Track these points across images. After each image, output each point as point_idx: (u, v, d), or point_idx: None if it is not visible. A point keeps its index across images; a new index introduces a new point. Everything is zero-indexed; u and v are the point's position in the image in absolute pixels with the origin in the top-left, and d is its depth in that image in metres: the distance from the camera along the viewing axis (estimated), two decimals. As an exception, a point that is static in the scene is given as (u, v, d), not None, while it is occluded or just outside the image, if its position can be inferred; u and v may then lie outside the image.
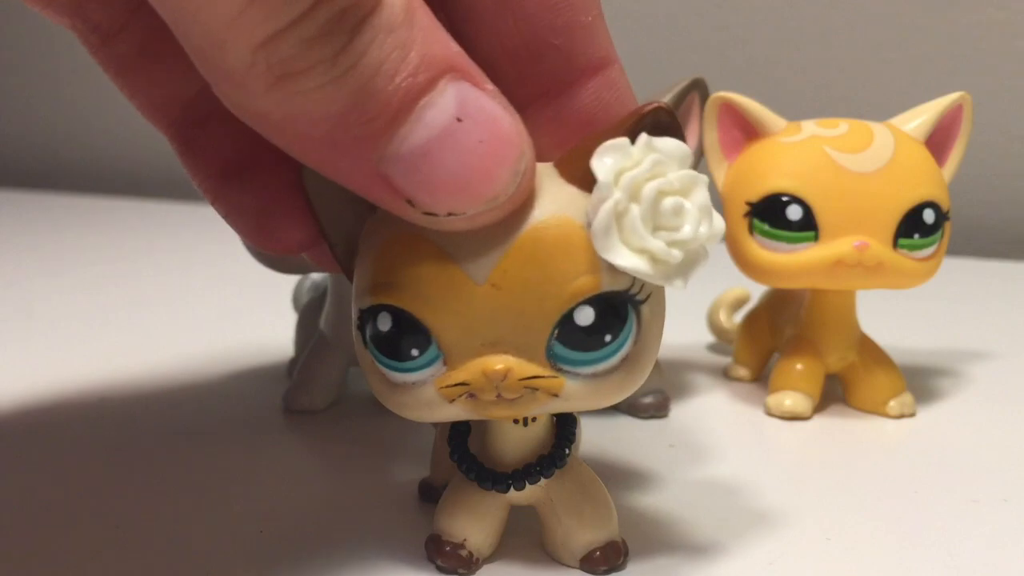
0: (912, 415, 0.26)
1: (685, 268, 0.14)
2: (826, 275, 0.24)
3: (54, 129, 0.88)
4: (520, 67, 0.15)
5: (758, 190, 0.25)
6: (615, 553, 0.17)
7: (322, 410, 0.26)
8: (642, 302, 0.15)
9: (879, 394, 0.26)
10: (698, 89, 0.26)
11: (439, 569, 0.17)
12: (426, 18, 0.13)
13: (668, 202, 0.14)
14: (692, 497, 0.21)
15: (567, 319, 0.14)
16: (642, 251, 0.14)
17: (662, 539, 0.18)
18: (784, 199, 0.24)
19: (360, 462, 0.23)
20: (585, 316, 0.14)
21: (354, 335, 0.16)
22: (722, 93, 0.26)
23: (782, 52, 0.60)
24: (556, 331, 0.14)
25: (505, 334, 0.14)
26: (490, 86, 0.13)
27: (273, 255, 0.20)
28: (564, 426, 0.17)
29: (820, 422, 0.26)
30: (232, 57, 0.12)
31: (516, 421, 0.17)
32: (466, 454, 0.17)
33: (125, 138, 0.85)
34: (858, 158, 0.24)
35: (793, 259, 0.24)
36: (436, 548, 0.17)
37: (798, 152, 0.25)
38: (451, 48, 0.13)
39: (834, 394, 0.27)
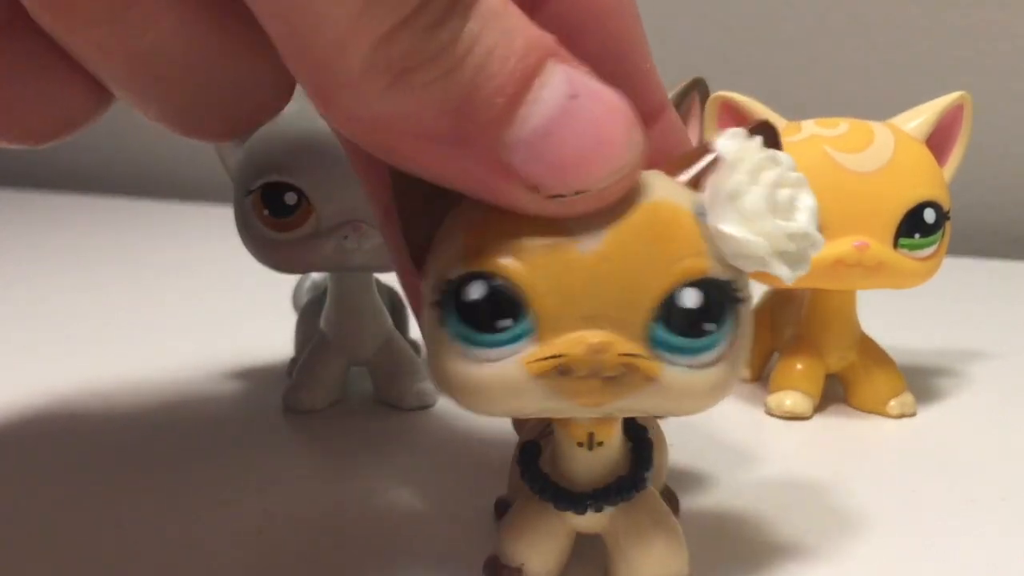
0: (912, 415, 0.26)
1: (796, 260, 0.14)
2: (826, 275, 0.24)
3: (54, 129, 0.88)
4: None
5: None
6: None
7: (322, 410, 0.26)
8: (741, 301, 0.14)
9: (879, 394, 0.26)
10: (698, 89, 0.26)
11: None
12: (515, 6, 0.13)
13: (784, 192, 0.14)
14: (692, 497, 0.21)
15: (671, 300, 0.14)
16: (759, 231, 0.14)
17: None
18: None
19: (360, 462, 0.23)
20: (690, 298, 0.14)
21: (426, 318, 0.15)
22: (722, 93, 0.26)
23: (782, 52, 0.61)
24: (658, 311, 0.14)
25: (606, 308, 0.14)
26: (585, 66, 0.13)
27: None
28: (641, 450, 0.16)
29: (820, 422, 0.26)
30: (352, 59, 0.12)
31: (581, 445, 0.16)
32: (538, 473, 0.16)
33: (125, 138, 0.85)
34: (858, 158, 0.24)
35: (793, 259, 0.24)
36: (494, 571, 0.17)
37: (798, 152, 0.24)
38: (545, 33, 0.13)
39: (834, 394, 0.27)
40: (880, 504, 0.20)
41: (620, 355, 0.14)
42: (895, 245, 0.24)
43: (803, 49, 0.60)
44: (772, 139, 0.15)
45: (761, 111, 0.26)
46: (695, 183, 0.15)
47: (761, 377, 0.30)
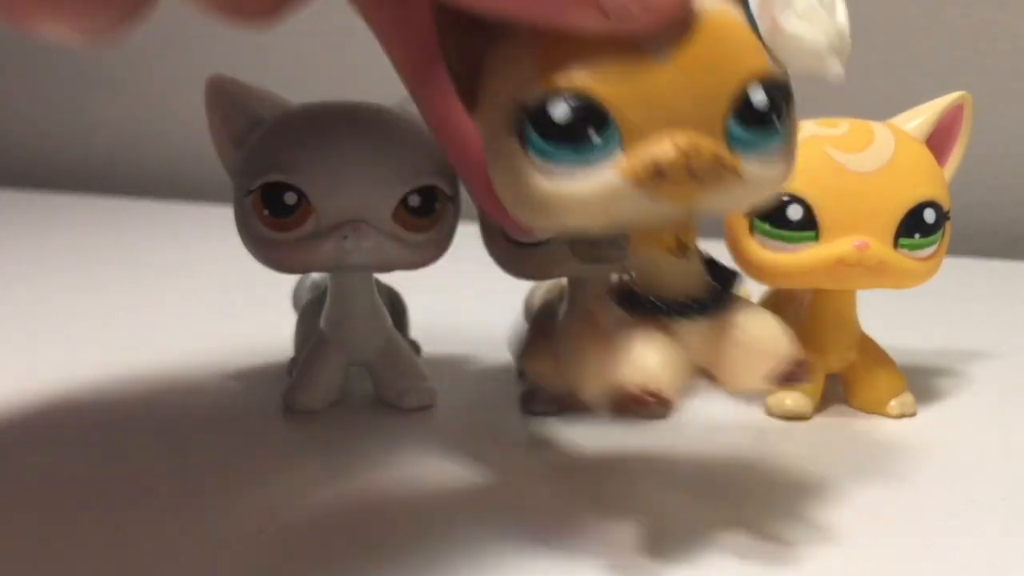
0: (912, 415, 0.26)
1: (843, 54, 0.16)
2: (826, 275, 0.24)
3: (54, 129, 0.88)
4: None
5: (758, 190, 0.25)
6: (803, 367, 0.17)
7: (322, 410, 0.26)
8: (790, 100, 0.16)
9: (879, 394, 0.26)
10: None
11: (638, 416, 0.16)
12: None
13: None
14: (692, 497, 0.21)
15: (742, 97, 0.15)
16: (812, 28, 0.15)
17: (661, 539, 0.18)
18: (784, 198, 0.24)
19: (360, 462, 0.23)
20: (758, 95, 0.15)
21: (495, 146, 0.16)
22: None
23: (782, 52, 0.61)
24: (732, 108, 0.15)
25: (687, 111, 0.15)
26: None
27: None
28: (713, 262, 0.18)
29: (820, 422, 0.26)
30: None
31: (672, 253, 0.17)
32: (638, 296, 0.17)
33: (125, 138, 0.85)
34: (858, 158, 0.24)
35: (793, 259, 0.24)
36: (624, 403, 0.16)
37: (798, 152, 0.25)
38: None
39: (834, 394, 0.27)
40: (880, 504, 0.20)
41: (710, 151, 0.15)
42: (895, 245, 0.24)
43: (803, 49, 0.60)
44: None
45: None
46: None
47: (761, 377, 0.30)
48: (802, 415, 0.26)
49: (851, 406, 0.27)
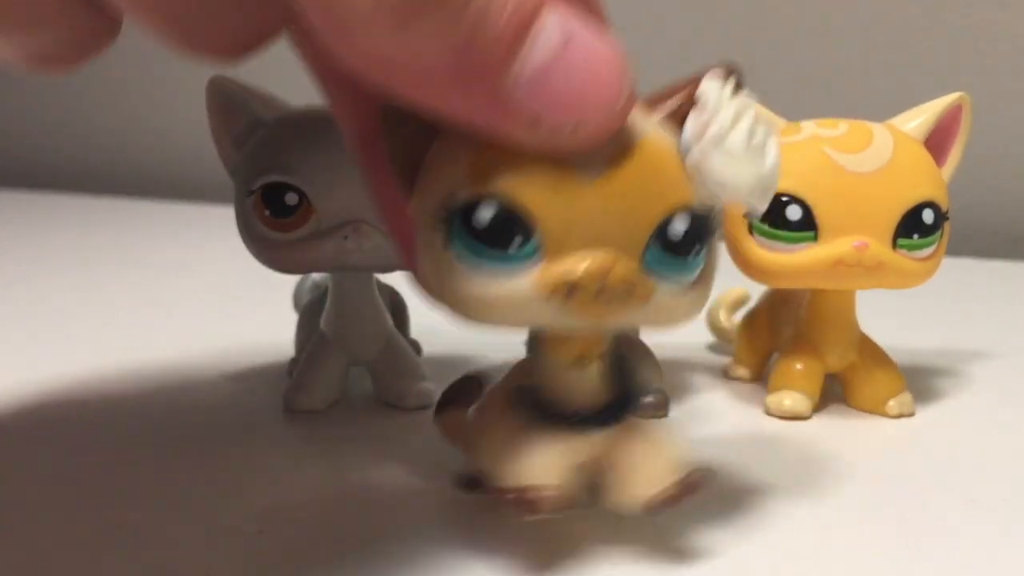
0: (911, 415, 0.26)
1: (766, 193, 0.16)
2: (826, 275, 0.24)
3: (54, 129, 0.88)
4: None
5: (758, 190, 0.25)
6: (688, 486, 0.17)
7: (322, 410, 0.26)
8: (715, 230, 0.16)
9: (879, 394, 0.26)
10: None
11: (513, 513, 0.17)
12: None
13: (760, 132, 0.16)
14: (691, 497, 0.21)
15: (665, 225, 0.15)
16: (739, 170, 0.15)
17: (661, 539, 0.18)
18: (784, 199, 0.24)
19: (361, 462, 0.23)
20: (682, 223, 0.15)
21: (424, 238, 0.16)
22: (722, 93, 0.26)
23: (782, 52, 0.61)
24: (654, 235, 0.15)
25: (609, 232, 0.15)
26: (575, 9, 0.14)
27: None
28: (620, 370, 0.18)
29: (820, 422, 0.26)
30: None
31: (571, 365, 0.17)
32: (541, 403, 0.18)
33: (125, 138, 0.85)
34: (857, 158, 0.24)
35: (793, 259, 0.24)
36: (516, 498, 0.17)
37: (798, 152, 0.25)
38: None
39: (834, 394, 0.28)
40: (879, 504, 0.20)
41: (622, 276, 0.15)
42: (894, 245, 0.24)
43: (803, 49, 0.60)
44: (739, 82, 0.16)
45: (761, 111, 0.26)
46: (674, 118, 0.16)
47: (760, 377, 0.30)
48: (801, 415, 0.26)
49: (850, 406, 0.27)
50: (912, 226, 0.24)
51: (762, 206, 0.16)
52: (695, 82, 0.16)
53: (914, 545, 0.18)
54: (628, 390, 0.18)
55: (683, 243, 0.16)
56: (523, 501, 0.16)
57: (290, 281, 0.33)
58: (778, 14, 0.60)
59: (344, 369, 0.26)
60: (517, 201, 0.15)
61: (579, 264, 0.15)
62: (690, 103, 0.16)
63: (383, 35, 0.13)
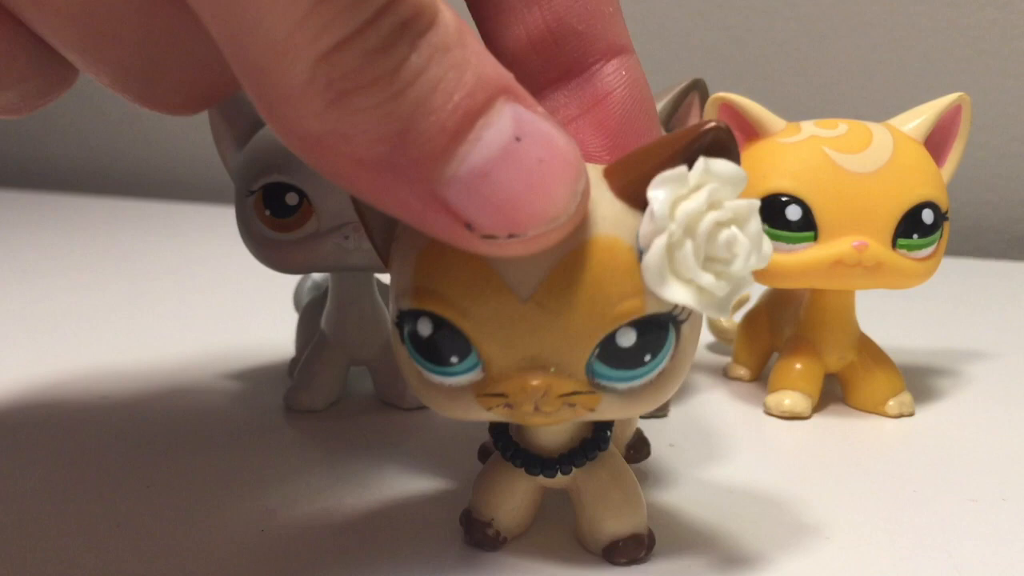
0: (911, 415, 0.26)
1: (729, 299, 0.14)
2: (825, 275, 0.24)
3: (54, 129, 0.88)
4: (543, 52, 0.16)
5: (757, 190, 0.25)
6: (637, 545, 0.17)
7: (323, 410, 0.26)
8: (683, 321, 0.15)
9: (878, 394, 0.26)
10: (698, 90, 0.26)
11: (466, 542, 0.18)
12: (475, 41, 0.13)
13: (723, 235, 0.14)
14: (691, 497, 0.21)
15: (609, 339, 0.14)
16: (690, 283, 0.14)
17: (660, 539, 0.18)
18: (783, 199, 0.24)
19: (360, 462, 0.23)
20: (627, 338, 0.14)
21: (391, 329, 0.16)
22: (722, 93, 0.26)
23: (782, 52, 0.61)
24: (597, 351, 0.14)
25: (546, 351, 0.14)
26: (540, 108, 0.13)
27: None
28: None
29: (819, 422, 0.26)
30: (293, 71, 0.11)
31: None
32: (509, 441, 0.17)
33: (126, 138, 0.85)
34: (857, 158, 0.24)
35: (792, 259, 0.24)
36: (466, 523, 0.18)
37: (797, 152, 0.25)
38: (502, 70, 0.13)
39: (833, 394, 0.28)
40: (879, 504, 0.20)
41: (559, 396, 0.15)
42: (893, 245, 0.24)
43: (803, 49, 0.60)
44: (724, 143, 0.14)
45: (760, 112, 0.26)
46: (641, 191, 0.14)
47: (760, 377, 0.30)
48: (801, 415, 0.26)
49: (849, 406, 0.27)
50: (912, 226, 0.24)
51: (722, 313, 0.14)
52: (679, 139, 0.14)
53: (914, 545, 0.18)
54: (601, 425, 0.17)
55: (631, 355, 0.14)
56: (470, 531, 0.18)
57: (290, 281, 0.33)
58: (778, 14, 0.60)
59: (344, 369, 0.26)
60: (452, 322, 0.14)
61: (513, 384, 0.14)
62: (667, 165, 0.14)
63: (312, 112, 0.12)
